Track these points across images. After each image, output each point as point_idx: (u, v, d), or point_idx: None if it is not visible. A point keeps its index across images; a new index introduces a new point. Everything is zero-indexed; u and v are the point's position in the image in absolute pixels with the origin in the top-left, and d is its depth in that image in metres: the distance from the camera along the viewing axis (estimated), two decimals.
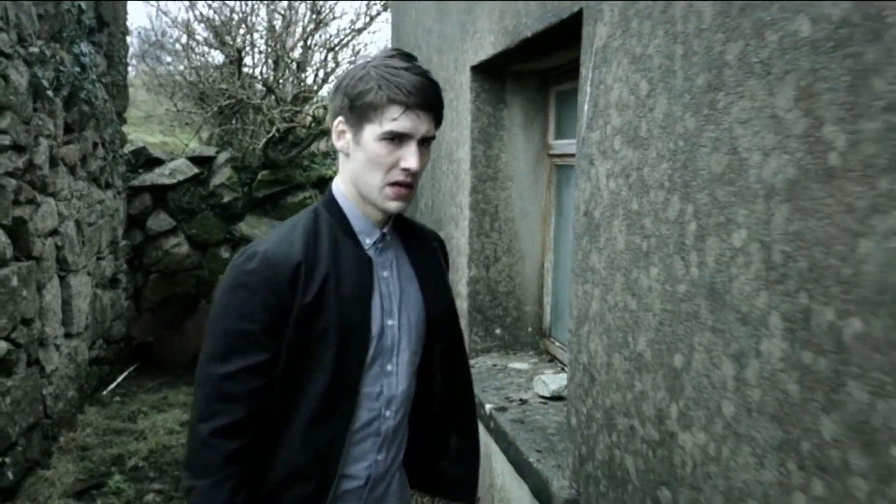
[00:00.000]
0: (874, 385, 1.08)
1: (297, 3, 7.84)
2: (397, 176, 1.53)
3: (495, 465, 2.96)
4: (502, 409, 2.92)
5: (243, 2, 8.51)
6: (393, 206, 1.56)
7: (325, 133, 7.90)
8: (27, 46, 4.57)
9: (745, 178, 1.38)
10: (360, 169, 1.56)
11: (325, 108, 8.14)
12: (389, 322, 1.63)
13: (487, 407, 2.98)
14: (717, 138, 1.47)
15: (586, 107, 2.09)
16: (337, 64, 8.16)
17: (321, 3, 7.85)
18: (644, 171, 1.77)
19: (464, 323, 3.60)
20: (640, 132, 1.79)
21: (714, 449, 1.49)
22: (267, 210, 7.88)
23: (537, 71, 3.48)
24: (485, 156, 3.54)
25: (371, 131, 1.51)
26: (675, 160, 1.63)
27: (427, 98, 1.51)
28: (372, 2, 7.96)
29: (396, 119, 1.49)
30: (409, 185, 1.55)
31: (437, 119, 1.57)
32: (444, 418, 1.80)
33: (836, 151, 1.15)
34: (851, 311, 1.13)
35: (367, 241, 1.63)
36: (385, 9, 7.69)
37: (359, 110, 1.52)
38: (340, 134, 1.59)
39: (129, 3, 7.45)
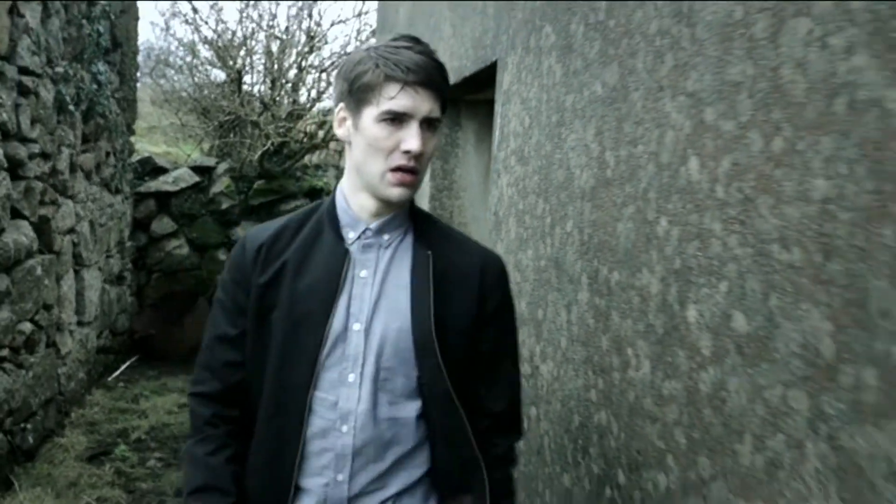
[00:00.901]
0: (622, 312, 1.76)
1: (293, 29, 8.59)
2: (398, 160, 1.42)
3: None
4: None
5: (248, 12, 9.25)
6: (396, 193, 1.45)
7: (317, 147, 8.63)
8: (54, 67, 5.25)
9: (573, 185, 2.06)
10: (361, 156, 1.47)
11: (316, 124, 8.88)
12: (356, 327, 1.49)
13: None
14: (560, 159, 2.15)
15: (497, 133, 2.78)
16: (329, 84, 8.91)
17: (315, 28, 8.60)
18: (526, 181, 2.45)
19: None
20: (524, 153, 2.48)
21: (556, 372, 2.17)
22: (262, 217, 8.55)
23: (487, 100, 4.16)
24: (442, 170, 4.23)
25: (369, 113, 1.43)
26: (541, 174, 2.31)
27: (428, 75, 1.42)
28: (361, 28, 8.71)
29: (394, 97, 1.40)
30: (412, 171, 1.44)
31: (442, 100, 1.46)
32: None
33: (610, 168, 1.84)
34: (614, 268, 1.80)
35: (351, 236, 1.53)
36: (373, 34, 8.44)
37: (357, 93, 1.44)
38: (342, 121, 1.51)
39: (138, 23, 8.14)
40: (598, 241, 1.89)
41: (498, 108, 2.79)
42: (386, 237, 1.53)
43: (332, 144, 8.93)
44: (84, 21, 5.90)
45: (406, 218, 1.57)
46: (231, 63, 8.45)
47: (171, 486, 4.76)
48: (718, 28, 1.39)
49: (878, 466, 1.01)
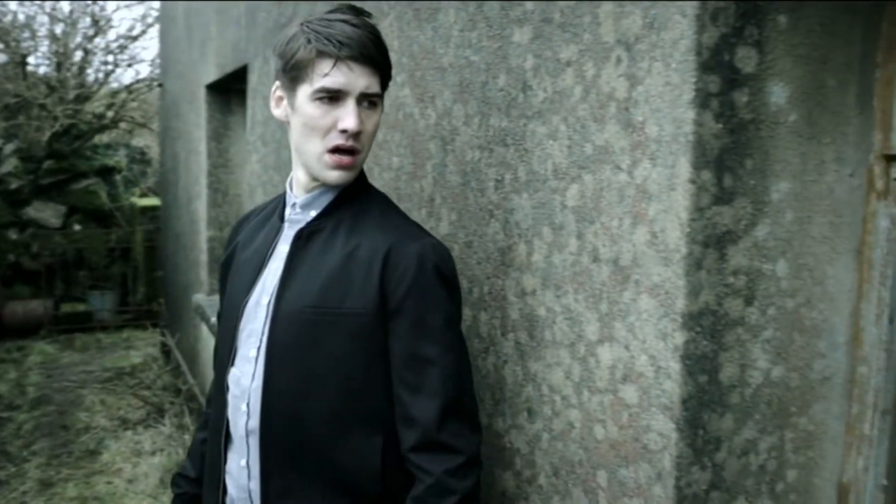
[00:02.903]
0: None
1: (77, 13, 8.80)
2: (335, 139, 1.35)
3: None
4: None
5: (26, 2, 9.28)
6: (334, 176, 1.38)
7: (106, 127, 8.93)
8: None
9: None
10: (299, 137, 1.40)
11: (105, 105, 9.16)
12: (264, 300, 1.43)
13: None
14: (285, 143, 2.94)
15: (248, 121, 3.52)
16: (116, 65, 9.21)
17: (99, 11, 8.85)
18: (267, 159, 3.22)
19: (205, 273, 4.94)
20: (266, 138, 3.24)
21: None
22: (53, 196, 8.77)
23: None
24: (217, 149, 4.90)
25: (304, 92, 1.35)
26: (276, 153, 3.09)
27: (363, 49, 1.33)
28: (146, 14, 9.05)
29: (328, 74, 1.32)
30: (351, 151, 1.37)
31: (381, 74, 1.39)
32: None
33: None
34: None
35: (287, 212, 1.49)
36: (157, 21, 8.82)
37: (291, 71, 1.37)
38: (278, 101, 1.45)
39: None
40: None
41: (249, 101, 3.53)
42: (313, 213, 1.45)
43: (122, 125, 9.24)
44: None
45: (342, 196, 1.46)
46: (14, 45, 8.55)
47: None
48: None
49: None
